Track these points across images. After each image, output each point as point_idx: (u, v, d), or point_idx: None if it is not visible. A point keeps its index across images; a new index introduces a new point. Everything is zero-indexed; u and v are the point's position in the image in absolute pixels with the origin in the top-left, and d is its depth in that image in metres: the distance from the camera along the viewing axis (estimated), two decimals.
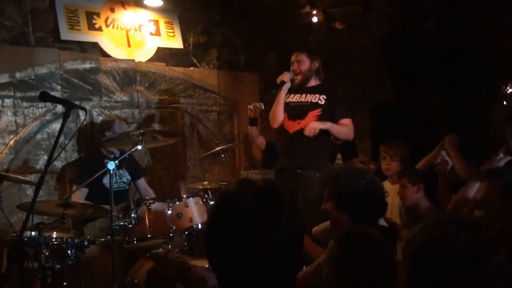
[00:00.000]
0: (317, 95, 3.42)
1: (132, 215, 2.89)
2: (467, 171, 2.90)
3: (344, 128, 3.38)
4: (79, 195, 3.35)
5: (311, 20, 5.09)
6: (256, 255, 0.95)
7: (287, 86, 3.46)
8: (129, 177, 3.70)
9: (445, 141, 3.11)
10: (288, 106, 3.47)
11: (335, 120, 3.38)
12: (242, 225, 0.95)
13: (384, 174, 3.48)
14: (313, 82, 3.50)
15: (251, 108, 3.98)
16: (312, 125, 3.24)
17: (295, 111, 3.44)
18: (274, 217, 0.97)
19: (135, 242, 2.93)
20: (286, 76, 3.45)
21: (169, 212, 2.98)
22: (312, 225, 3.11)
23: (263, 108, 3.97)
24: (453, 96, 5.07)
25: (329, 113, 3.38)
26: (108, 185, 3.33)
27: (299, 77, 3.47)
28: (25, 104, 3.61)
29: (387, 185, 3.27)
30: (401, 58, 5.25)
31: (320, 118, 3.36)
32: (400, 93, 5.50)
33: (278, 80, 3.48)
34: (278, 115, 3.46)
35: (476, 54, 4.90)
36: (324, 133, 3.42)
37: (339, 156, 4.29)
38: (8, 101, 3.54)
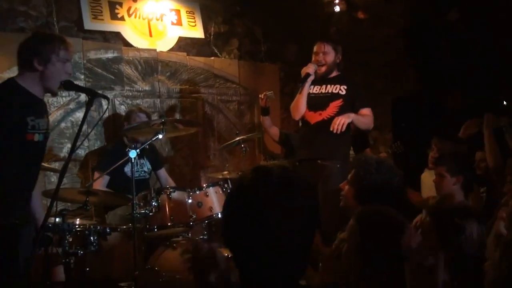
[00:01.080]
0: (338, 86, 3.40)
1: (153, 203, 2.93)
2: (498, 156, 2.83)
3: (365, 119, 3.38)
4: (100, 183, 3.41)
5: (333, 10, 5.03)
6: (271, 240, 0.97)
7: (311, 78, 3.41)
8: (149, 167, 3.74)
9: (484, 119, 3.00)
10: (308, 97, 3.44)
11: (355, 110, 3.37)
12: (257, 214, 0.97)
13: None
14: (334, 74, 3.49)
15: (262, 97, 3.95)
16: (340, 121, 3.20)
17: (316, 102, 3.42)
18: (288, 205, 0.99)
19: (155, 230, 2.97)
20: (311, 68, 3.39)
21: (189, 201, 3.01)
22: (332, 217, 3.11)
23: (274, 97, 3.96)
24: (477, 89, 4.95)
25: (350, 103, 3.37)
26: (129, 174, 3.38)
27: (323, 68, 3.43)
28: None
29: (429, 173, 3.27)
30: (424, 49, 5.15)
31: (341, 109, 3.34)
32: (422, 85, 5.40)
33: (303, 72, 3.42)
34: (301, 107, 3.42)
35: (501, 45, 4.77)
36: (346, 126, 3.40)
37: None
38: None
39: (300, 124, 3.61)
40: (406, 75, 5.45)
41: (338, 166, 3.21)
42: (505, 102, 5.12)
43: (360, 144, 4.30)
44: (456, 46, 5.06)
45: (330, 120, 3.32)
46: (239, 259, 1.01)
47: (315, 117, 3.41)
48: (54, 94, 2.42)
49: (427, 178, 3.53)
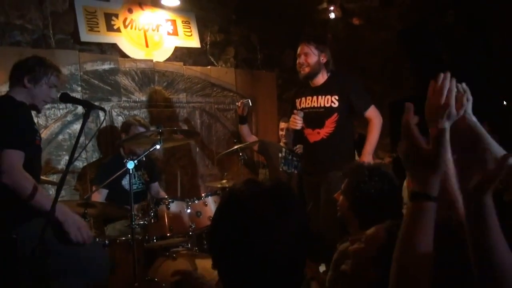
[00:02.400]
0: (329, 97, 3.27)
1: (151, 214, 2.92)
2: None
3: (375, 131, 3.24)
4: (98, 197, 3.39)
5: (329, 16, 5.05)
6: (261, 255, 0.95)
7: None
8: (148, 178, 3.73)
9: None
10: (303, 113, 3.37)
11: (359, 115, 3.29)
12: (247, 226, 0.96)
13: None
14: (321, 78, 3.33)
15: (239, 105, 3.91)
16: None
17: (312, 119, 3.32)
18: (280, 218, 0.97)
19: (154, 240, 2.95)
20: (299, 123, 3.30)
21: (188, 210, 3.00)
22: (332, 224, 3.10)
23: (251, 105, 3.92)
24: (477, 90, 4.94)
25: (346, 112, 3.27)
26: (126, 187, 3.37)
27: (306, 69, 3.29)
28: (47, 105, 3.66)
29: None
30: (422, 51, 5.16)
31: (338, 124, 3.26)
32: (421, 88, 5.40)
33: (291, 127, 3.38)
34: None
35: (500, 46, 4.78)
36: (346, 133, 3.35)
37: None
38: None
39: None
40: (404, 79, 5.46)
41: (341, 174, 3.19)
42: (505, 102, 5.11)
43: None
44: (454, 48, 5.07)
45: (329, 138, 3.26)
46: (228, 272, 0.99)
47: (313, 136, 3.33)
48: (38, 112, 2.58)
49: None
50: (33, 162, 2.35)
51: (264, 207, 0.97)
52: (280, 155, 4.08)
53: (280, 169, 4.04)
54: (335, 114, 3.26)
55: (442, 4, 4.83)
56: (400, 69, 5.42)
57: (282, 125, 4.21)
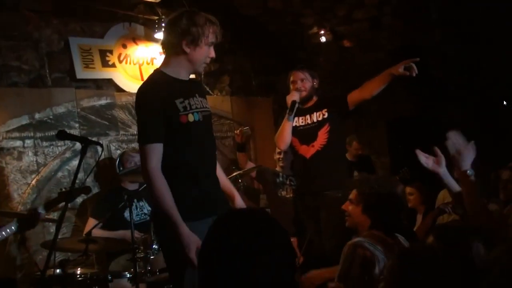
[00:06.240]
0: (320, 112, 3.39)
1: (153, 246, 2.91)
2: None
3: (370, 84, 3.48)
4: (96, 228, 3.39)
5: (320, 40, 5.13)
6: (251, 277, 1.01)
7: (296, 106, 3.38)
8: (149, 208, 3.72)
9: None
10: (296, 131, 3.41)
11: (344, 109, 3.34)
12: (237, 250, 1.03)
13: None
14: (313, 100, 3.46)
15: (238, 133, 3.95)
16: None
17: (305, 134, 3.39)
18: (266, 242, 1.04)
19: (157, 273, 2.93)
20: (296, 96, 3.37)
21: None
22: (334, 243, 3.08)
23: (250, 133, 3.94)
24: (473, 105, 4.99)
25: (336, 122, 3.35)
26: (129, 219, 3.37)
27: (303, 94, 3.40)
28: (45, 143, 3.71)
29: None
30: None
31: (330, 133, 3.32)
32: (417, 105, 5.45)
33: (289, 100, 3.39)
34: (287, 136, 3.37)
35: (491, 60, 4.84)
36: (340, 151, 3.43)
37: (355, 173, 4.24)
38: (28, 142, 3.65)
39: (293, 157, 3.61)
40: (400, 97, 5.51)
41: (340, 195, 3.19)
42: (505, 102, 5.14)
43: (364, 170, 4.24)
44: (447, 64, 5.13)
45: (324, 149, 3.31)
46: None
47: (309, 151, 3.36)
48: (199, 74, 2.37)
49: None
50: (183, 145, 2.17)
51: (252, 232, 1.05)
52: (277, 180, 4.08)
53: (278, 195, 4.03)
54: (326, 125, 3.34)
55: (429, 23, 4.91)
56: (395, 87, 5.47)
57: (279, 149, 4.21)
